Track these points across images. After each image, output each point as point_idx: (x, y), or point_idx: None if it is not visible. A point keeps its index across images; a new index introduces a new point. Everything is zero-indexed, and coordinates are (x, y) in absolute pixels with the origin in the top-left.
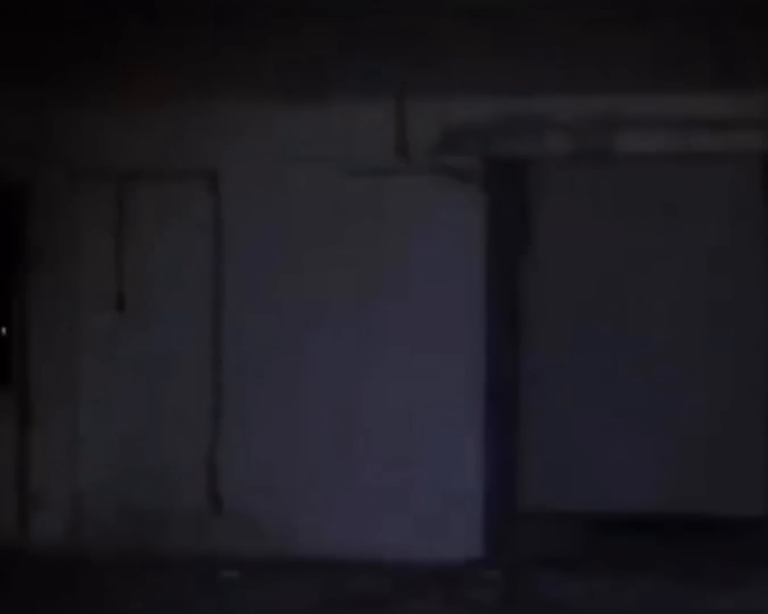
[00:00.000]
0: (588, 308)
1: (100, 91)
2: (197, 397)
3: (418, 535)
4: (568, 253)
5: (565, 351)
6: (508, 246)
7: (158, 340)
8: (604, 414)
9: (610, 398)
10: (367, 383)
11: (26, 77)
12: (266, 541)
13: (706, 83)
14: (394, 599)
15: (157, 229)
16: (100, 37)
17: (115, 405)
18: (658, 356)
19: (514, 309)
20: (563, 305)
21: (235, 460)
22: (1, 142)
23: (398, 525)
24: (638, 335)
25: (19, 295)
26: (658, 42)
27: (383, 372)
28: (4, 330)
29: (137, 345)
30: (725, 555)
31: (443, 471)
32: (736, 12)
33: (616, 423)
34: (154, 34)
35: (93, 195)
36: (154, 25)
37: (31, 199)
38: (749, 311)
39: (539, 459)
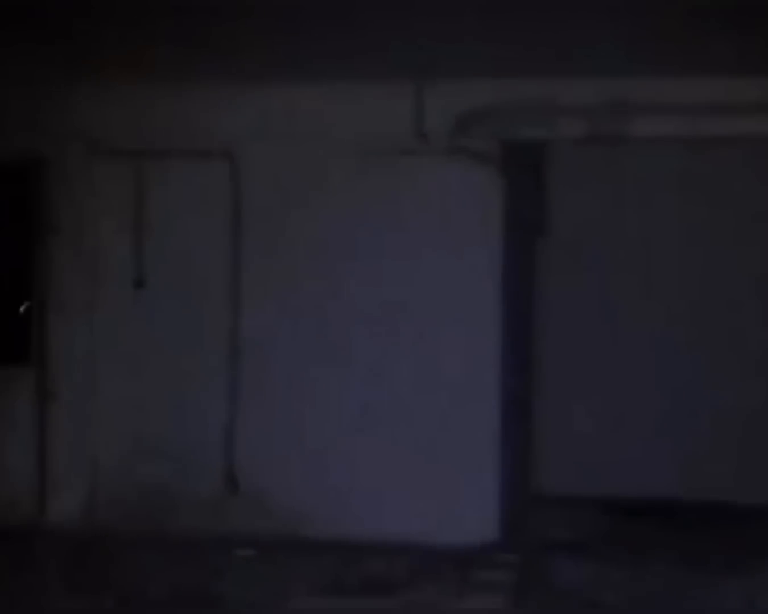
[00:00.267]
0: (605, 289)
1: (119, 67)
2: (214, 377)
3: (433, 518)
4: (585, 235)
5: (582, 332)
6: (526, 228)
7: (175, 319)
8: (622, 398)
9: (628, 382)
10: (383, 363)
11: (45, 54)
12: (281, 522)
13: (721, 67)
14: (407, 581)
15: (175, 207)
16: (118, 13)
17: (133, 384)
18: (675, 340)
19: (531, 290)
20: (580, 286)
21: (251, 441)
22: (20, 119)
23: (413, 507)
24: (656, 317)
25: (37, 272)
26: (674, 25)
27: (399, 352)
28: (23, 308)
29: (155, 323)
30: (741, 542)
31: (459, 454)
32: None
33: (633, 408)
34: (174, 12)
35: (112, 172)
36: (172, 3)
37: (49, 175)
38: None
39: (556, 444)
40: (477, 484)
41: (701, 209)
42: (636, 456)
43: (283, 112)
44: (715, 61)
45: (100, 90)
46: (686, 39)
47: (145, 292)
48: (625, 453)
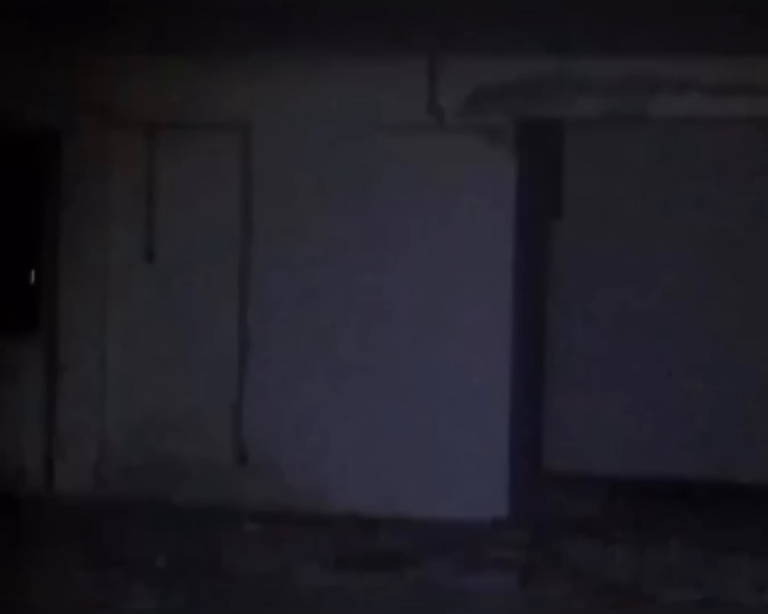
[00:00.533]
0: (618, 270)
1: (131, 39)
2: (224, 348)
3: (444, 493)
4: (599, 215)
5: (594, 312)
6: (539, 207)
7: (187, 291)
8: (634, 378)
9: (640, 361)
10: (394, 336)
11: (57, 26)
12: (292, 495)
13: (741, 47)
14: (416, 557)
15: (187, 179)
16: None
17: (143, 354)
18: (687, 319)
19: (543, 269)
20: (593, 266)
21: (262, 412)
22: (33, 90)
23: (425, 483)
24: (669, 298)
25: (48, 242)
26: (693, 5)
27: (410, 326)
28: (33, 275)
29: (166, 295)
30: (753, 522)
31: (470, 430)
32: None
33: (646, 387)
34: None
35: (124, 144)
36: None
37: (61, 146)
38: None
39: (567, 422)
40: (487, 461)
41: (721, 190)
42: (648, 436)
43: (297, 86)
44: (737, 40)
45: (114, 62)
46: (708, 17)
47: (155, 263)
48: (637, 432)
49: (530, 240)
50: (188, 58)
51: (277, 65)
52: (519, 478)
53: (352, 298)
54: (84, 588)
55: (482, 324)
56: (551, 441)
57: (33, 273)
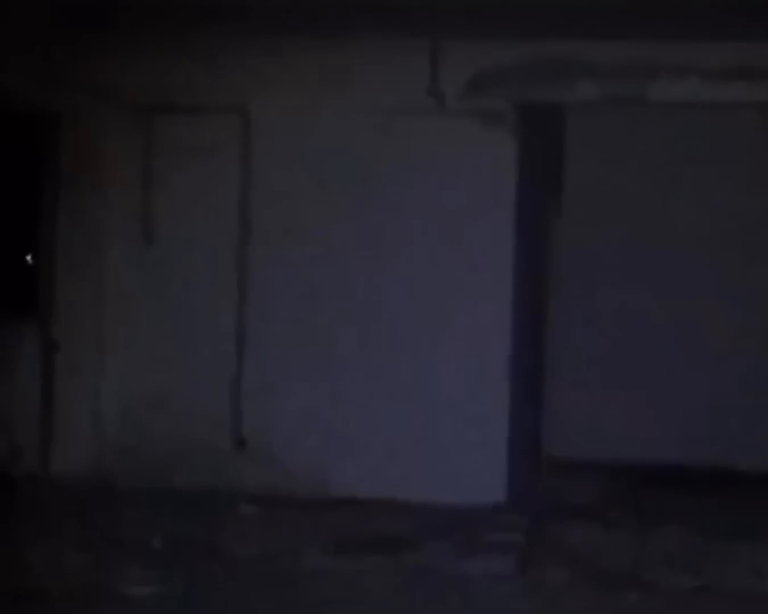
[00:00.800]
0: (618, 254)
1: (132, 21)
2: (222, 331)
3: (443, 478)
4: (599, 199)
5: (593, 297)
6: (539, 190)
7: (185, 274)
8: (633, 364)
9: (639, 347)
10: (394, 336)
11: (60, 7)
12: (290, 478)
13: (741, 32)
14: (416, 541)
15: (186, 162)
16: None
17: (140, 336)
18: (688, 305)
19: (543, 253)
20: (593, 250)
21: (260, 396)
22: (32, 71)
23: (424, 467)
24: (669, 282)
25: (46, 223)
26: None
27: (410, 326)
28: (30, 257)
29: (164, 277)
30: (753, 509)
31: (469, 428)
32: None
33: (645, 374)
34: None
35: (123, 126)
36: None
37: (60, 128)
38: None
39: (567, 408)
40: (487, 446)
41: (722, 175)
42: (647, 422)
43: (295, 68)
44: (738, 25)
45: (113, 44)
46: (709, 1)
47: (153, 245)
48: (635, 419)
49: (531, 221)
50: (186, 40)
51: (275, 47)
52: (518, 464)
53: (352, 297)
54: (80, 568)
55: (482, 309)
56: (551, 428)
57: (31, 253)
